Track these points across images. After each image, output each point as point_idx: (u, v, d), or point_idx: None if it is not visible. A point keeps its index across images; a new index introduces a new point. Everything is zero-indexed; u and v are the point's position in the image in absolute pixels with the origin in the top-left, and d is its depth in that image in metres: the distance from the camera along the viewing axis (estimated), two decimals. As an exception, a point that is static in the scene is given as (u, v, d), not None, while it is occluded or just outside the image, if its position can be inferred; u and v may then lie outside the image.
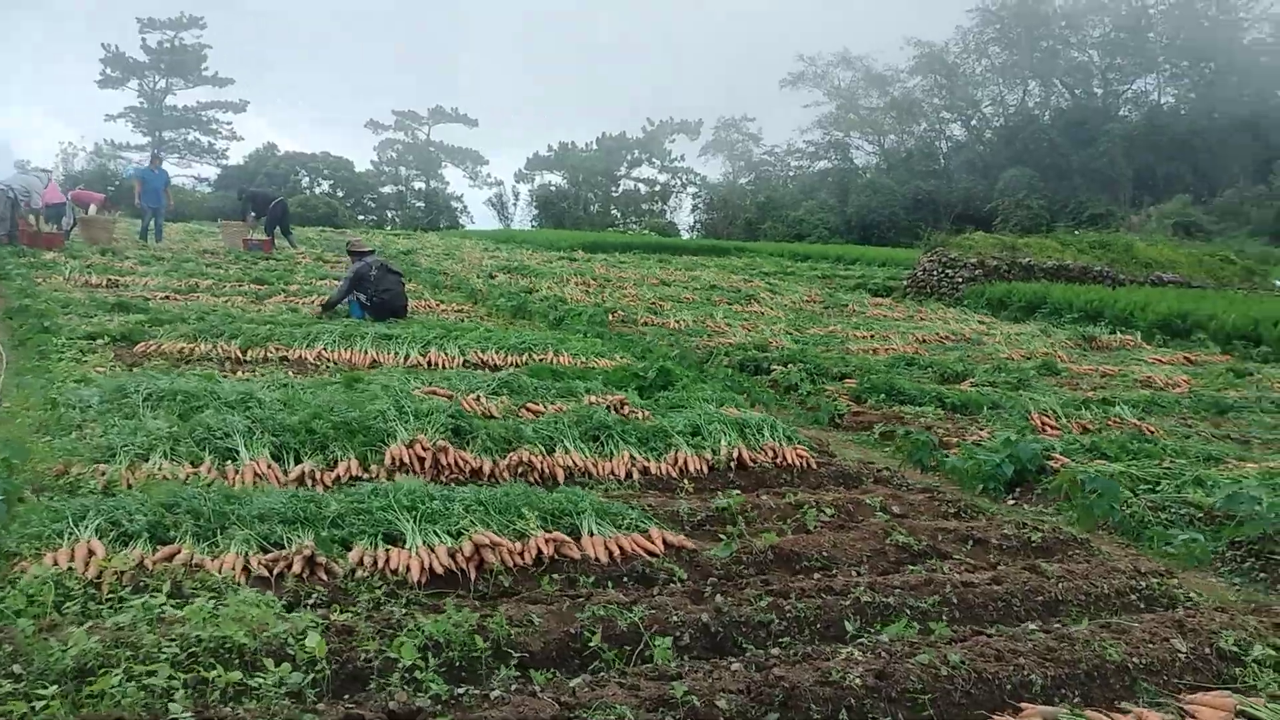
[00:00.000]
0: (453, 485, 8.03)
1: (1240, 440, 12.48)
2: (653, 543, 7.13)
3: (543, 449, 9.26)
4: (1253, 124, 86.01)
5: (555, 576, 6.59)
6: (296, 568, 6.37)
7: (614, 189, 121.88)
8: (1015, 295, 28.84)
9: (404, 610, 5.82)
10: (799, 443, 10.16)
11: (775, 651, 5.59)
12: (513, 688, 5.07)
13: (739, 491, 8.92)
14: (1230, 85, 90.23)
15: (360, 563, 6.52)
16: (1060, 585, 6.77)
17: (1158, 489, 9.08)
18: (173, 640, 5.03)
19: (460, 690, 5.02)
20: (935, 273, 32.56)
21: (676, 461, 9.46)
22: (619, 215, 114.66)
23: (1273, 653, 5.90)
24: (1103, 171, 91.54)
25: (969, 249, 33.02)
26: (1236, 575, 7.63)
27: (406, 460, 8.68)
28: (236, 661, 5.03)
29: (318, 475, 8.39)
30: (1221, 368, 19.10)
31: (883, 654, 5.53)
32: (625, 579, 6.74)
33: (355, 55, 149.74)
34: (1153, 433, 12.14)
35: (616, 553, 6.98)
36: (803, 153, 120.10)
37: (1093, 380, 17.10)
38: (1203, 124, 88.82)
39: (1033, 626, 6.07)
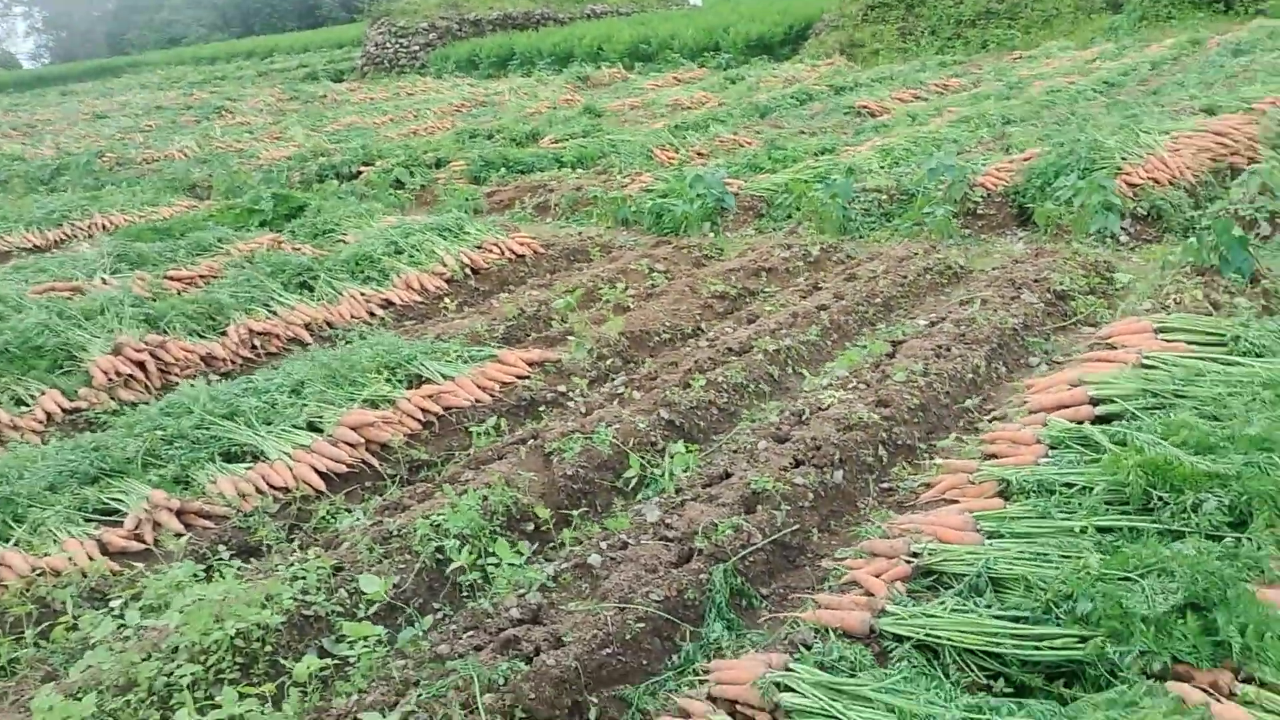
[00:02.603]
0: (247, 376, 6.55)
1: (810, 133, 13.86)
2: (515, 365, 6.47)
3: (264, 311, 7.83)
4: None
5: (476, 429, 5.76)
6: (173, 525, 4.96)
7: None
8: (483, 52, 28.73)
9: (371, 522, 4.81)
10: (500, 234, 9.57)
11: (773, 419, 5.45)
12: (603, 544, 4.48)
13: (506, 294, 8.35)
14: None
15: (239, 493, 5.22)
16: (882, 283, 7.26)
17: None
18: (188, 651, 3.74)
19: (550, 567, 4.34)
20: (390, 45, 31.29)
21: (411, 285, 8.51)
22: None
23: (1083, 282, 6.89)
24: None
25: (416, 13, 31.97)
26: (951, 235, 8.64)
27: (122, 371, 6.90)
28: (295, 647, 3.91)
29: (18, 424, 6.42)
30: (717, 79, 20.83)
31: (859, 385, 5.63)
32: (531, 408, 6.11)
33: None
34: (752, 144, 13.07)
35: (491, 386, 6.26)
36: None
37: (633, 114, 17.85)
38: None
39: (922, 323, 6.50)
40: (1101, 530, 3.88)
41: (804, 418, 5.37)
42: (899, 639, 3.58)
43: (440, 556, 4.45)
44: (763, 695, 3.27)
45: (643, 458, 5.19)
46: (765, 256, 8.15)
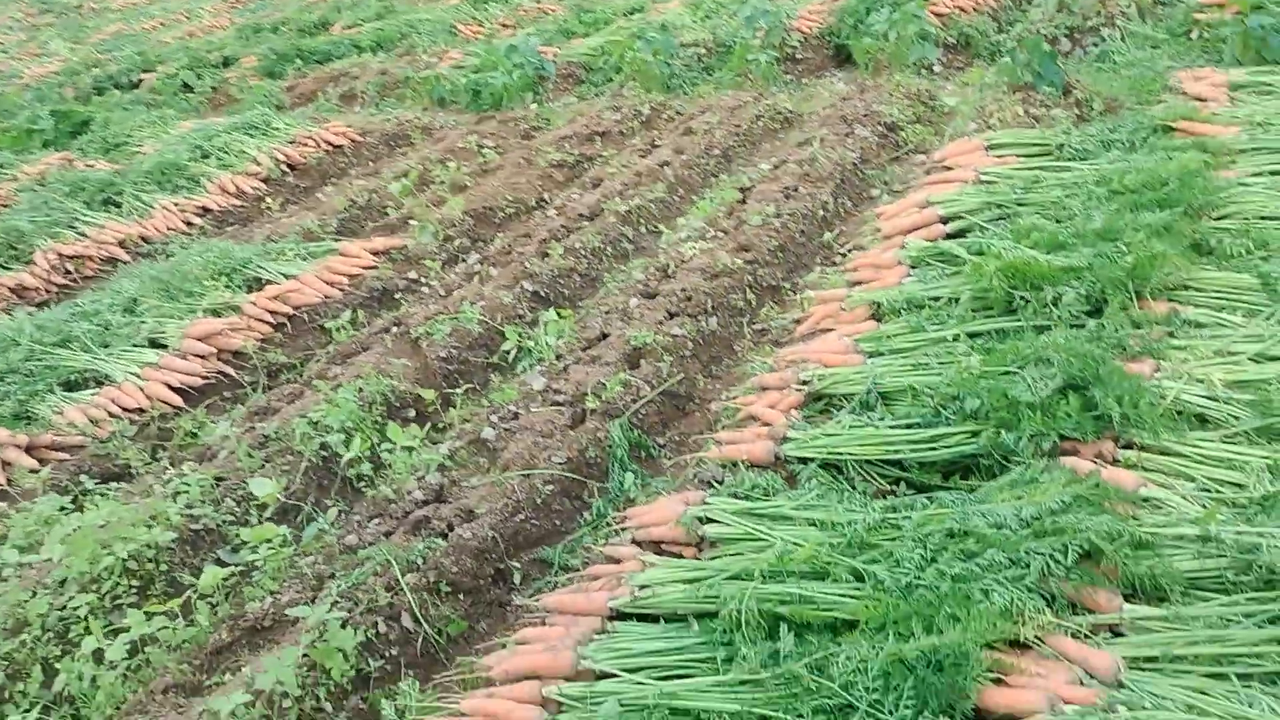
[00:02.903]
0: (71, 301, 6.07)
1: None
2: (359, 256, 6.23)
3: (71, 234, 7.25)
4: None
5: (333, 325, 5.53)
6: (25, 462, 4.65)
7: None
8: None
9: (243, 430, 4.60)
10: (312, 126, 9.07)
11: (639, 277, 5.45)
12: (494, 418, 4.43)
13: (331, 187, 7.98)
14: None
15: (91, 420, 4.90)
16: (718, 134, 7.27)
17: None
18: (78, 581, 3.55)
19: (444, 447, 4.27)
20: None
21: (226, 188, 8.01)
22: None
23: (910, 112, 7.07)
24: None
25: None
26: (776, 81, 8.68)
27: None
28: (191, 562, 3.75)
29: None
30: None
31: (718, 234, 5.68)
32: (385, 297, 5.92)
33: None
34: (557, 10, 12.74)
35: (339, 280, 6.02)
36: None
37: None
38: None
39: (765, 167, 6.57)
40: (972, 335, 4.08)
41: (670, 271, 5.39)
42: (804, 461, 3.70)
43: (325, 453, 4.32)
44: (687, 530, 3.33)
45: (516, 330, 5.11)
46: (596, 121, 8.02)
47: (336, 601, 3.31)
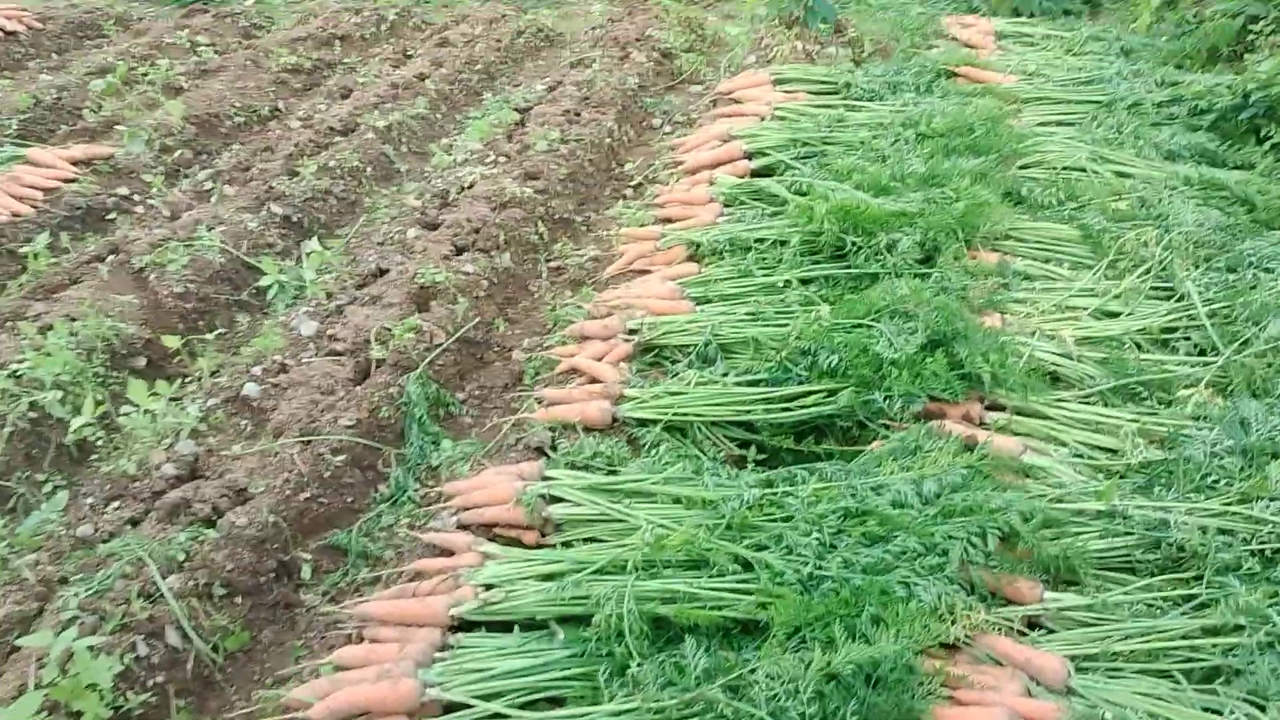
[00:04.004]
0: None
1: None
2: (55, 165, 5.11)
3: None
4: None
5: (29, 250, 4.46)
6: None
7: None
8: None
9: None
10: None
11: (415, 203, 4.77)
12: (256, 371, 3.67)
13: (7, 81, 6.58)
14: None
15: None
16: (479, 48, 6.60)
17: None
18: None
19: (194, 407, 3.49)
20: None
21: None
22: None
23: (683, 39, 6.70)
24: None
25: None
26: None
27: None
28: None
29: None
30: None
31: (500, 158, 5.09)
32: (94, 216, 4.88)
33: None
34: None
35: (31, 195, 4.90)
36: None
37: None
38: None
39: (540, 88, 5.99)
40: (804, 281, 3.78)
41: (450, 199, 4.76)
42: (643, 423, 3.27)
43: (35, 414, 3.41)
44: (529, 512, 2.82)
45: (273, 263, 4.31)
46: (333, 23, 7.09)
47: (76, 617, 2.55)
